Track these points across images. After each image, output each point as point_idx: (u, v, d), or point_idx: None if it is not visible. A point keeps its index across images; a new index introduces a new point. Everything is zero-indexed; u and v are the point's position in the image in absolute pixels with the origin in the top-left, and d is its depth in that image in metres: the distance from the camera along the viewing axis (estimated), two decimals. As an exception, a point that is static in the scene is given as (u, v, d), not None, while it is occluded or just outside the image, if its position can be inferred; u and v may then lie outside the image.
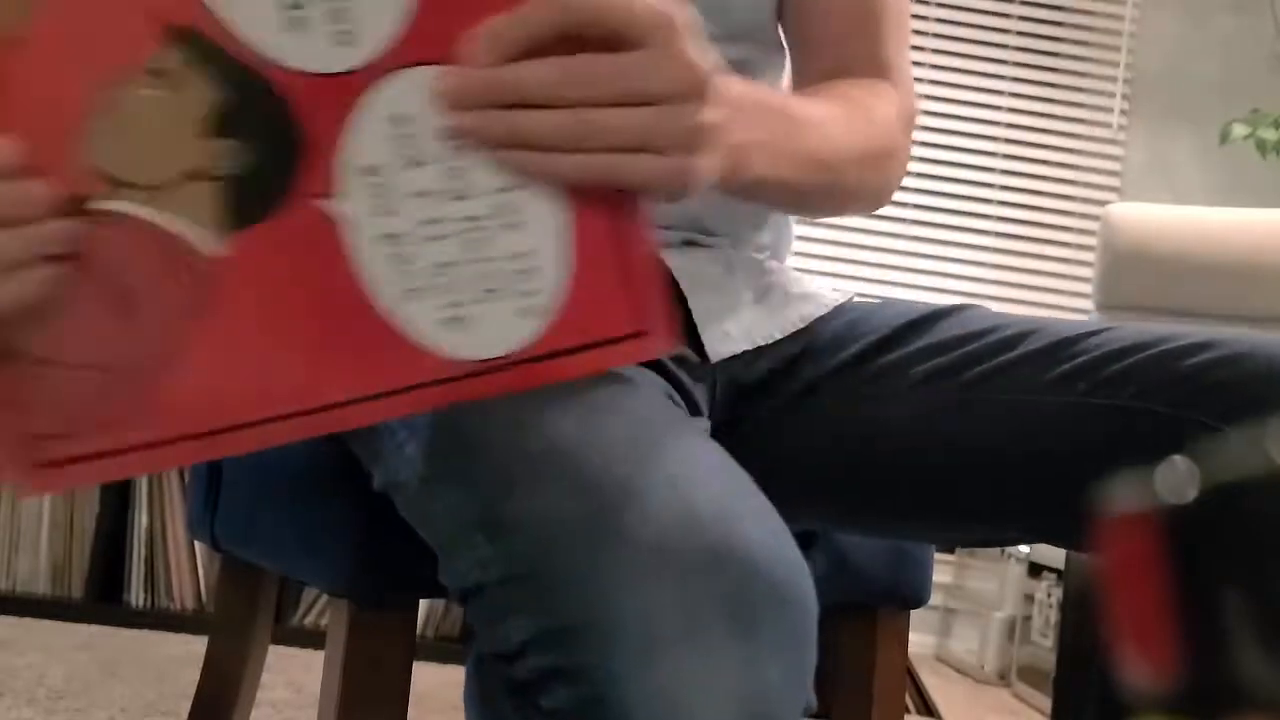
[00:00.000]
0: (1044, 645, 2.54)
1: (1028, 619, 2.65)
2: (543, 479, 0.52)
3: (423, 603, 0.88)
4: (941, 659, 2.98)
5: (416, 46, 0.51)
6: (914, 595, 0.96)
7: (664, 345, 0.54)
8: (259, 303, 0.53)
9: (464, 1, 0.51)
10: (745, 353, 0.81)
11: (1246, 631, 0.34)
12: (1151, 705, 0.34)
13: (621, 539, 0.49)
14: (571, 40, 0.51)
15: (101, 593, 2.37)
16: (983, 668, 2.77)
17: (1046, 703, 2.43)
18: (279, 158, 0.52)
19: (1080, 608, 1.65)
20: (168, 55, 0.50)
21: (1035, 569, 2.65)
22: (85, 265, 0.51)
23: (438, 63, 0.52)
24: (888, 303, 0.85)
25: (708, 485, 0.53)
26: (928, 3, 3.21)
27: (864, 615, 0.95)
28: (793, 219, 0.92)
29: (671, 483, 0.52)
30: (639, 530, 0.50)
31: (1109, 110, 3.28)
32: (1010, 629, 2.74)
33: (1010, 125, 3.26)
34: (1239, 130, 2.86)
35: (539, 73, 0.51)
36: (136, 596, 2.38)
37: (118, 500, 2.38)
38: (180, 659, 2.08)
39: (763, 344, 0.82)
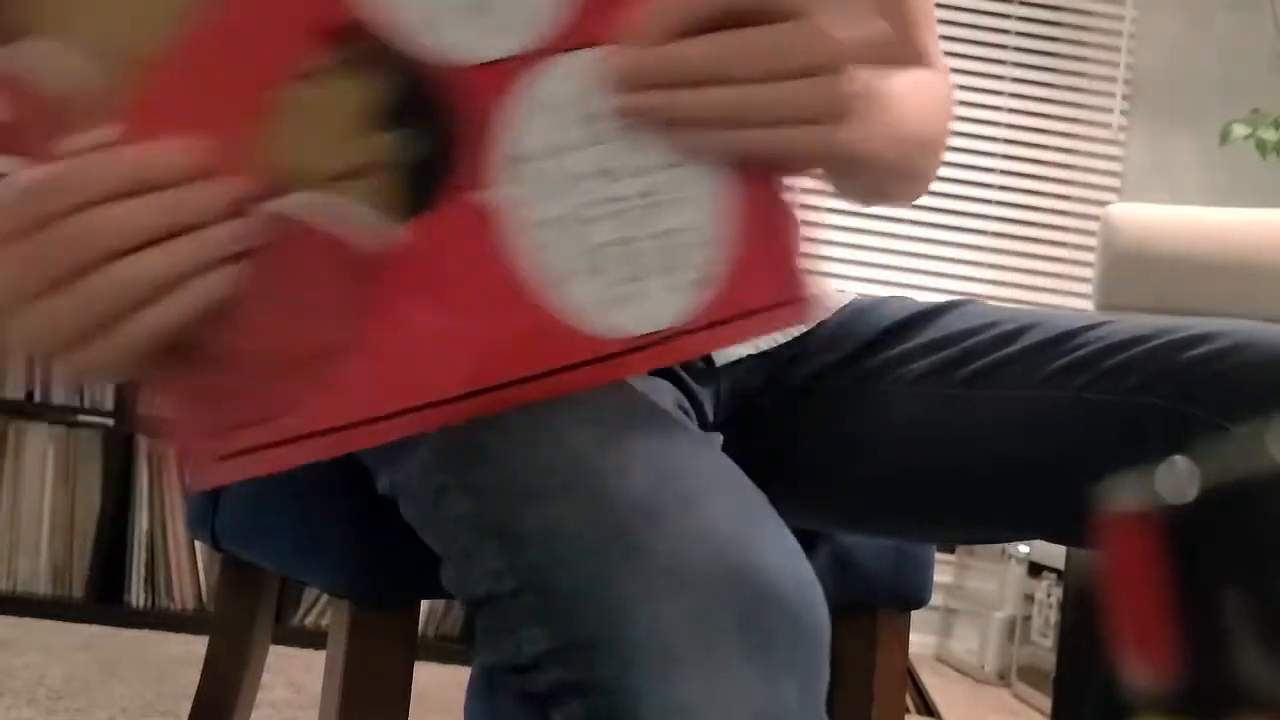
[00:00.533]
0: (1044, 645, 2.54)
1: (1028, 619, 2.65)
2: (558, 492, 0.52)
3: (423, 603, 0.88)
4: (941, 659, 2.99)
5: (575, 31, 0.53)
6: (914, 595, 0.96)
7: (808, 313, 0.56)
8: (427, 290, 0.54)
9: None
10: (749, 356, 0.81)
11: (1246, 631, 0.34)
12: (1151, 705, 0.34)
13: (637, 555, 0.49)
14: (718, 18, 0.53)
15: (102, 593, 2.37)
16: (983, 668, 2.77)
17: (1046, 703, 2.43)
18: (444, 147, 0.53)
19: (1080, 608, 1.65)
20: (330, 52, 0.51)
21: (1035, 569, 2.65)
22: (263, 261, 0.52)
23: (594, 46, 0.53)
24: (886, 299, 0.85)
25: (724, 503, 0.53)
26: (928, 3, 3.21)
27: (864, 615, 0.95)
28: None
29: (687, 500, 0.52)
30: (655, 547, 0.49)
31: (1109, 110, 3.28)
32: (1010, 629, 2.74)
33: (1010, 125, 3.26)
34: (1239, 130, 2.86)
35: (704, 49, 0.52)
36: (137, 596, 2.38)
37: (118, 501, 2.38)
38: (180, 659, 2.08)
39: (768, 348, 0.82)
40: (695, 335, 0.55)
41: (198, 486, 0.54)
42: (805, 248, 0.56)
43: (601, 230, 0.54)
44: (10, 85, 0.50)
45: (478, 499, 0.55)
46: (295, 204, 0.52)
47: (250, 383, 0.53)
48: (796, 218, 0.56)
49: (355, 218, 0.52)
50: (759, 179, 0.55)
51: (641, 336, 0.54)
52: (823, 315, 0.84)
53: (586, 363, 0.54)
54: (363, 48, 0.52)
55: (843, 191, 0.77)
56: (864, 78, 0.57)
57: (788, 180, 0.56)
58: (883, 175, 0.75)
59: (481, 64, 0.52)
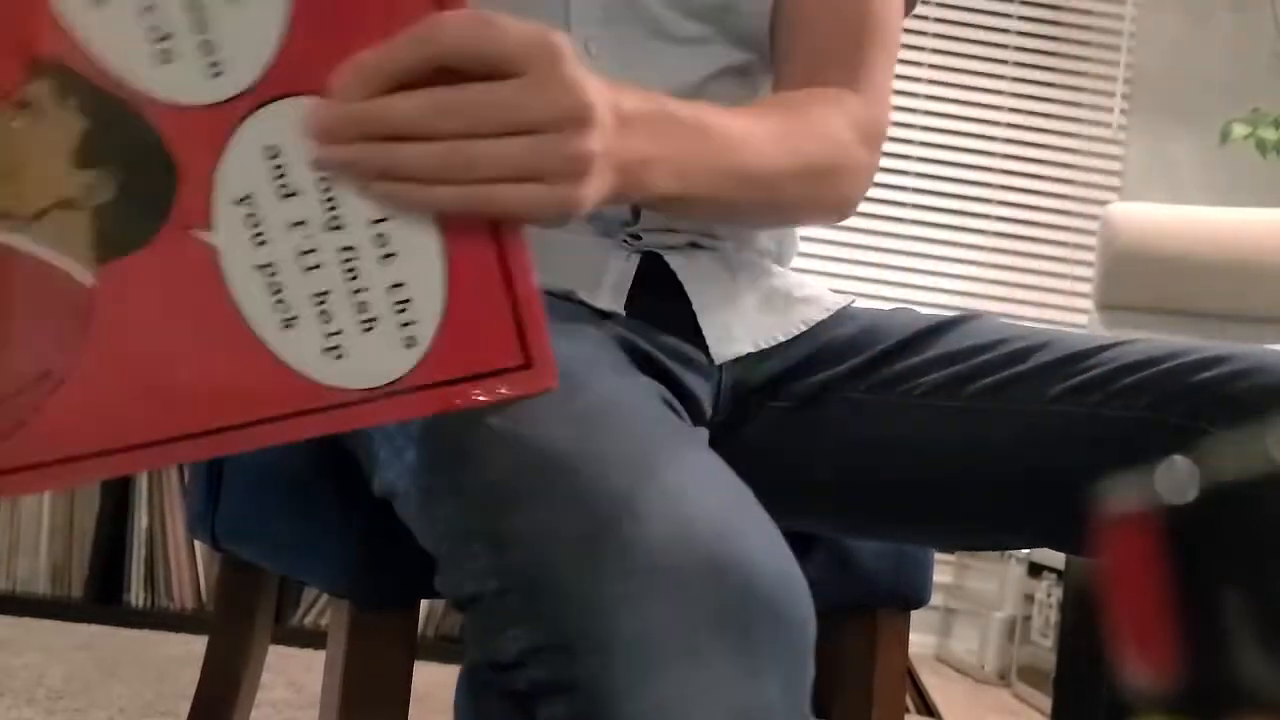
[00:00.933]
0: (1044, 645, 2.54)
1: (1028, 619, 2.65)
2: (540, 491, 0.52)
3: (423, 602, 0.88)
4: (941, 659, 2.98)
5: (288, 78, 0.51)
6: (914, 596, 0.96)
7: (548, 380, 0.54)
8: (138, 330, 0.53)
9: (335, 34, 0.51)
10: (750, 355, 0.81)
11: (1246, 631, 0.34)
12: (1151, 705, 0.34)
13: (619, 553, 0.49)
14: (453, 71, 0.51)
15: (101, 593, 2.37)
16: (983, 668, 2.77)
17: (1046, 703, 2.43)
18: (152, 188, 0.52)
19: (1080, 608, 1.65)
20: (37, 87, 0.50)
21: (1035, 569, 2.65)
22: None
23: (310, 94, 0.51)
24: (898, 311, 0.85)
25: (705, 499, 0.53)
26: (928, 2, 3.21)
27: (864, 616, 0.95)
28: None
29: (669, 496, 0.52)
30: (636, 544, 0.50)
31: (1109, 110, 3.28)
32: (1010, 629, 2.74)
33: (1010, 125, 3.25)
34: (1239, 130, 2.86)
35: (409, 105, 0.51)
36: (136, 596, 2.38)
37: (117, 500, 2.38)
38: (180, 659, 2.08)
39: (765, 346, 0.82)
40: (418, 394, 0.53)
41: None
42: (536, 308, 0.54)
43: (318, 280, 0.53)
44: None
45: (462, 500, 0.55)
46: (4, 235, 0.51)
47: None
48: (528, 276, 0.54)
49: (59, 253, 0.52)
50: (488, 236, 0.53)
51: (364, 390, 0.53)
52: (817, 318, 0.84)
53: (306, 412, 0.53)
54: (72, 80, 0.50)
55: (694, 220, 0.75)
56: (619, 131, 0.55)
57: (516, 235, 0.53)
58: (713, 210, 0.72)
59: (197, 106, 0.51)
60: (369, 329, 0.53)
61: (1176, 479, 0.34)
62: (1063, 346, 0.73)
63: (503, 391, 0.53)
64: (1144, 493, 0.34)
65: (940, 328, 0.80)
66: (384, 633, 0.80)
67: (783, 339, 0.82)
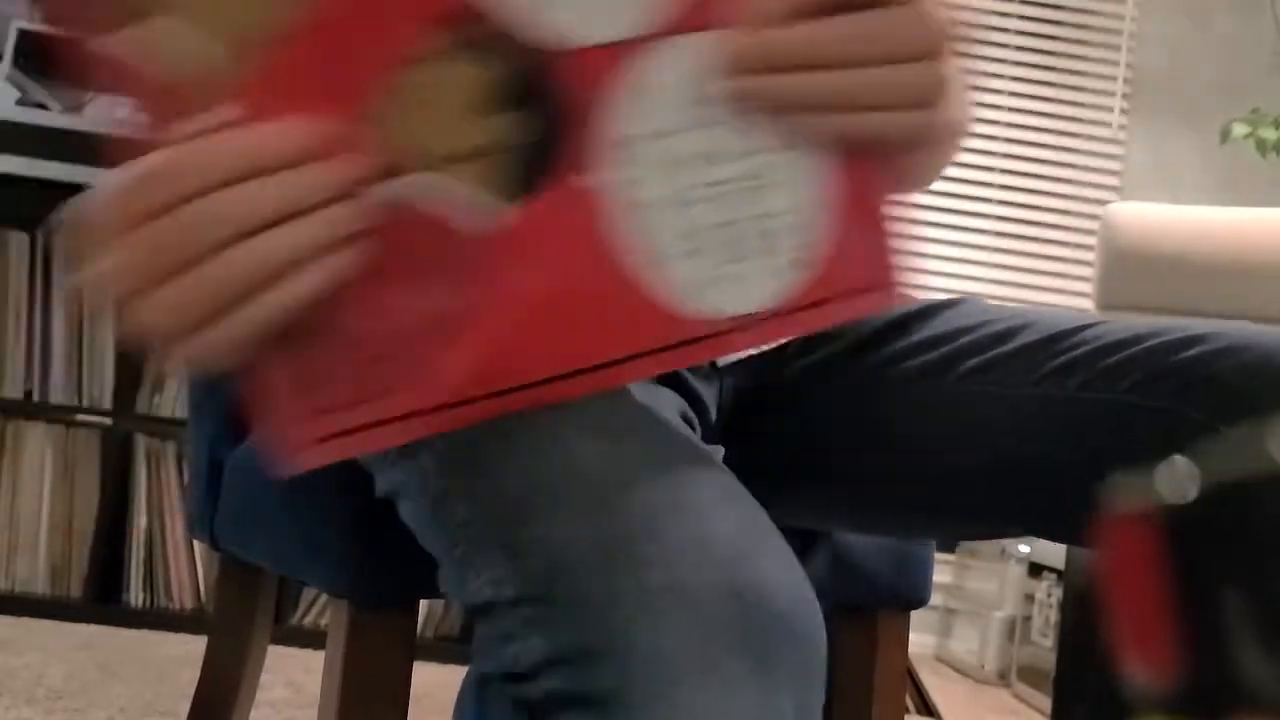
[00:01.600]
0: (1044, 645, 2.54)
1: (1028, 619, 2.65)
2: (560, 503, 0.52)
3: (422, 603, 0.88)
4: (941, 659, 2.99)
5: (683, 16, 0.54)
6: (914, 596, 0.96)
7: (899, 297, 0.57)
8: (536, 271, 0.54)
9: None
10: (753, 357, 0.81)
11: (1246, 631, 0.34)
12: (1151, 705, 0.34)
13: (638, 568, 0.49)
14: (824, 5, 0.54)
15: (100, 593, 2.37)
16: (983, 668, 2.77)
17: (1046, 703, 2.43)
18: (552, 130, 0.53)
19: (1080, 608, 1.65)
20: (444, 36, 0.52)
21: (1035, 569, 2.66)
22: (378, 241, 0.52)
23: (701, 31, 0.54)
24: None
25: (724, 518, 0.53)
26: (927, 2, 3.21)
27: (864, 616, 0.95)
28: None
29: (688, 514, 0.52)
30: (655, 560, 0.49)
31: (1109, 110, 3.28)
32: (1010, 629, 2.74)
33: (1010, 125, 3.26)
34: (1239, 130, 2.86)
35: (810, 35, 0.53)
36: (135, 596, 2.38)
37: (117, 500, 2.38)
38: (179, 659, 2.08)
39: (769, 350, 0.82)
40: (790, 317, 0.56)
41: (295, 468, 0.53)
42: (899, 232, 0.57)
43: (703, 213, 0.55)
44: (133, 67, 0.50)
45: (479, 507, 0.54)
46: (411, 185, 0.52)
47: (356, 363, 0.53)
48: (891, 202, 0.57)
49: (467, 199, 0.53)
50: (858, 163, 0.56)
51: (739, 317, 0.56)
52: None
53: (685, 343, 0.55)
54: (475, 31, 0.52)
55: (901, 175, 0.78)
56: (954, 62, 0.58)
57: (885, 164, 0.57)
58: (940, 158, 0.75)
59: (591, 47, 0.53)
60: (754, 256, 0.55)
61: (1176, 479, 0.34)
62: (1045, 326, 0.73)
63: (859, 310, 0.57)
64: (1144, 492, 0.34)
65: (925, 311, 0.80)
66: (383, 633, 0.80)
67: (785, 340, 0.82)
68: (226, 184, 0.48)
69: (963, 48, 0.58)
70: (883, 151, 0.56)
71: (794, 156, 0.55)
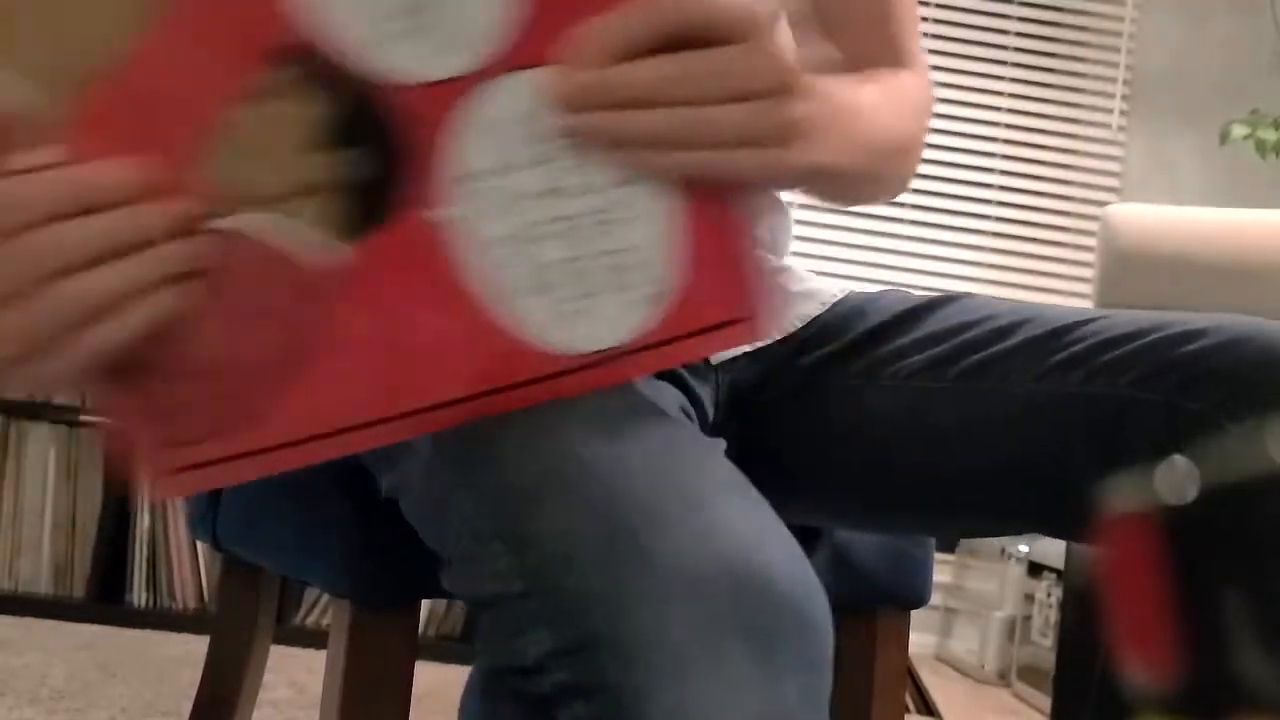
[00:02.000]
0: (1044, 645, 2.54)
1: (1028, 619, 2.65)
2: (564, 494, 0.52)
3: (423, 602, 0.88)
4: (941, 659, 2.99)
5: (521, 51, 0.53)
6: (914, 595, 0.96)
7: (766, 329, 0.57)
8: (378, 307, 0.54)
9: (559, 7, 0.53)
10: (745, 354, 0.81)
11: (1246, 631, 0.34)
12: (1151, 705, 0.34)
13: (644, 558, 0.49)
14: (665, 40, 0.53)
15: (103, 593, 2.37)
16: (983, 668, 2.77)
17: (1046, 703, 2.43)
18: (391, 166, 0.53)
19: (1080, 608, 1.65)
20: (277, 72, 0.52)
21: (1035, 569, 2.66)
22: (209, 280, 0.52)
23: (539, 66, 0.53)
24: (883, 293, 0.85)
25: (727, 507, 0.53)
26: (927, 3, 3.21)
27: (864, 615, 0.95)
28: (790, 212, 0.91)
29: (692, 503, 0.52)
30: (661, 550, 0.50)
31: (1109, 110, 3.28)
32: (1010, 629, 2.75)
33: (1009, 125, 3.26)
34: (1239, 130, 2.86)
35: (646, 72, 0.53)
36: (138, 596, 2.38)
37: (120, 500, 2.38)
38: (181, 659, 2.08)
39: (761, 345, 0.82)
40: (647, 353, 0.55)
41: (158, 496, 0.54)
42: (757, 264, 0.56)
43: (551, 249, 0.54)
44: None
45: (483, 500, 0.55)
46: (243, 222, 0.52)
47: (203, 396, 0.53)
48: (749, 235, 0.56)
49: (303, 236, 0.53)
50: (708, 197, 0.55)
51: (593, 354, 0.55)
52: (814, 313, 0.84)
53: (537, 379, 0.55)
54: (308, 67, 0.52)
55: (812, 195, 0.78)
56: (814, 98, 0.57)
57: (740, 199, 0.56)
58: (851, 183, 0.75)
59: (427, 84, 0.53)
60: (603, 292, 0.55)
61: (1176, 479, 0.34)
62: (1046, 321, 0.73)
63: (722, 344, 0.56)
64: (1144, 492, 0.34)
65: (925, 307, 0.80)
66: (385, 632, 0.80)
67: (779, 336, 0.82)
68: (53, 219, 0.49)
69: (811, 90, 0.57)
70: (735, 188, 0.56)
71: (644, 192, 0.54)
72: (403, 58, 0.52)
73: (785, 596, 0.51)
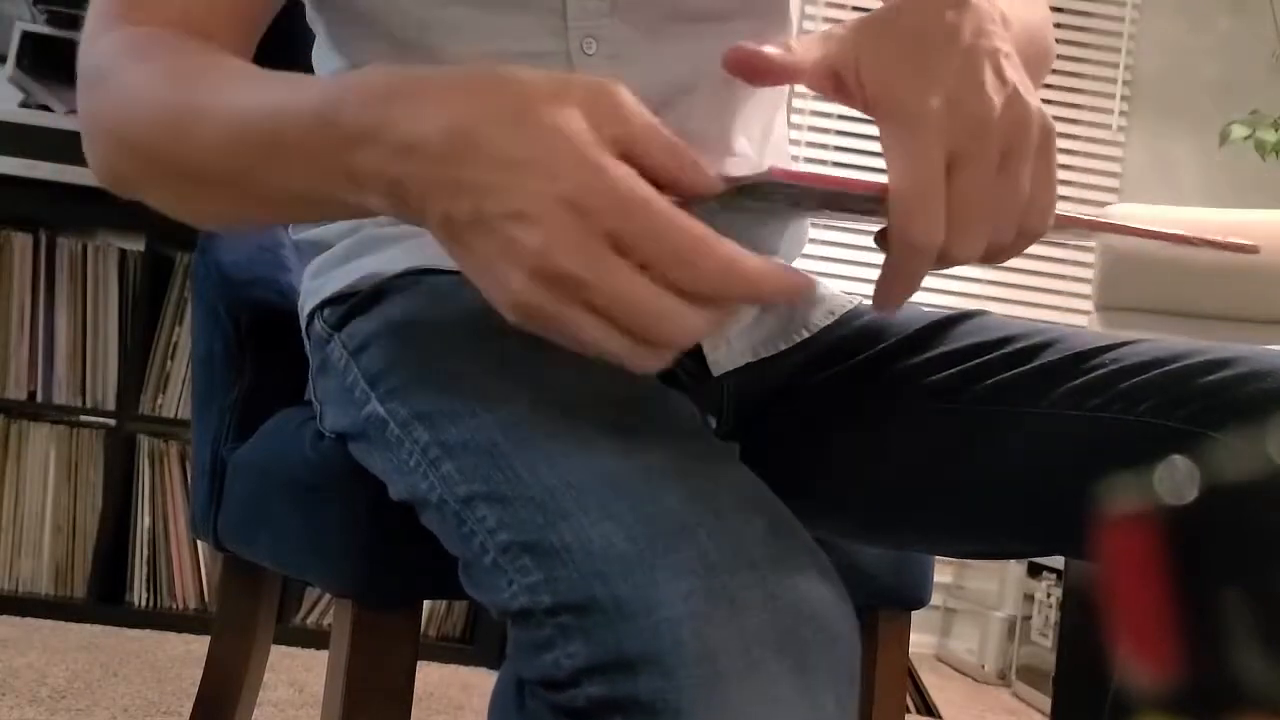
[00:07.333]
0: (1044, 645, 2.54)
1: (1028, 619, 2.65)
2: (591, 506, 0.52)
3: (424, 603, 0.88)
4: (941, 659, 2.99)
5: None
6: (915, 596, 0.96)
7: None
8: None
9: None
10: (754, 364, 0.81)
11: (1246, 631, 0.34)
12: (1151, 705, 0.34)
13: (674, 572, 0.49)
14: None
15: (104, 593, 2.37)
16: (983, 668, 2.78)
17: (1046, 703, 2.43)
18: None
19: (1080, 608, 1.65)
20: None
21: (1035, 569, 2.66)
22: None
23: None
24: (900, 308, 0.84)
25: (755, 518, 0.53)
26: (928, 3, 3.20)
27: (864, 616, 0.96)
28: (807, 222, 0.90)
29: (720, 514, 0.52)
30: (691, 564, 0.49)
31: (1109, 111, 3.28)
32: (1010, 629, 2.75)
33: (1010, 126, 3.25)
34: (1239, 131, 2.87)
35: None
36: (139, 596, 2.38)
37: (120, 501, 2.38)
38: (182, 659, 2.09)
39: (766, 355, 0.81)
40: None
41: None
42: None
43: None
44: None
45: (508, 512, 0.54)
46: None
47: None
48: None
49: None
50: None
51: None
52: (823, 322, 0.84)
53: None
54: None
55: None
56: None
57: None
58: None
59: None
60: None
61: (1176, 479, 0.34)
62: (1067, 346, 0.72)
63: None
64: (1144, 493, 0.34)
65: (942, 324, 0.79)
66: (387, 633, 0.80)
67: (784, 347, 0.82)
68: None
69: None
70: None
71: None
72: None
73: (817, 610, 0.51)
